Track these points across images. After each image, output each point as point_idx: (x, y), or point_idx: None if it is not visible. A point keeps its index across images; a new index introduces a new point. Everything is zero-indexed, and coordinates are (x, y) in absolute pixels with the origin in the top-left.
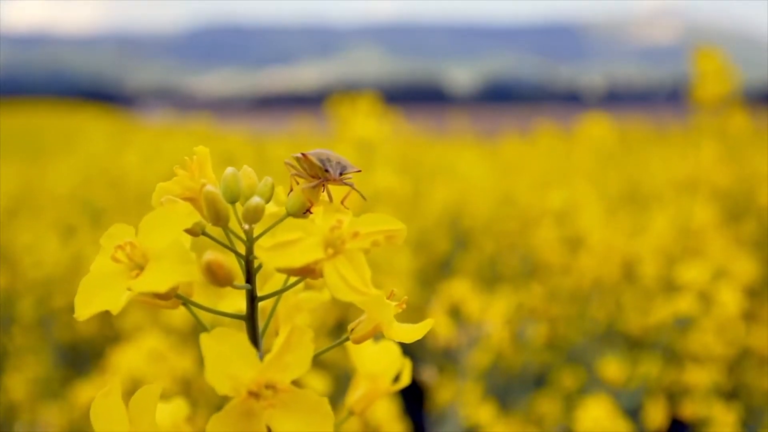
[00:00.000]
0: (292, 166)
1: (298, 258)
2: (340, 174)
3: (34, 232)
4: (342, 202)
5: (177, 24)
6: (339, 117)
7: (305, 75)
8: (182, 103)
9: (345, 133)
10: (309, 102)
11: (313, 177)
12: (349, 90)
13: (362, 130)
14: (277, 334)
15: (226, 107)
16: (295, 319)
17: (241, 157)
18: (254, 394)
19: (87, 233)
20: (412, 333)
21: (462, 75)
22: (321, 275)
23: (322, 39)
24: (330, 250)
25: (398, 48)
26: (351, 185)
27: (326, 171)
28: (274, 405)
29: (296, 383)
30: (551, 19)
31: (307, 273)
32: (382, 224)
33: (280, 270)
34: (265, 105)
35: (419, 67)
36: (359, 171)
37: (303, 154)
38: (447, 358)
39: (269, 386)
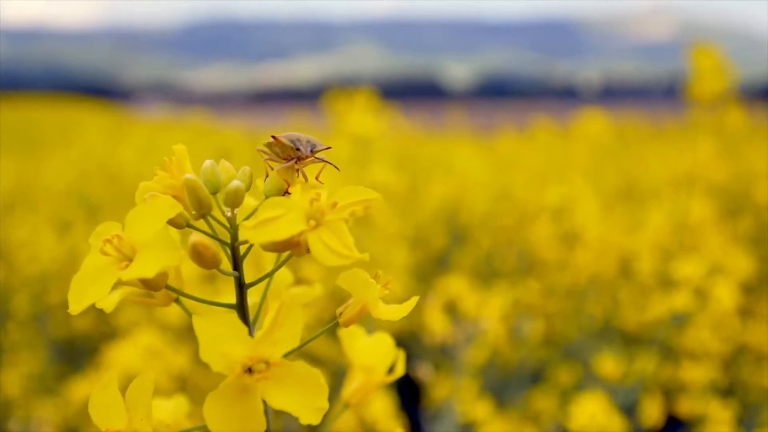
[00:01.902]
0: (265, 152)
1: (282, 231)
2: (312, 151)
3: (29, 227)
4: (317, 178)
5: (174, 19)
6: (336, 112)
7: (302, 70)
8: (179, 97)
9: (342, 128)
10: (306, 97)
11: (285, 159)
12: (345, 85)
13: (359, 126)
14: None
15: (222, 102)
16: (282, 296)
17: (238, 152)
18: (248, 370)
19: (83, 228)
20: (397, 311)
21: (459, 70)
22: (306, 248)
23: (319, 34)
24: (312, 222)
25: (395, 43)
26: (324, 160)
27: (298, 150)
28: (267, 378)
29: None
30: (548, 15)
31: (292, 246)
32: (359, 195)
33: (265, 246)
34: (262, 100)
35: (416, 62)
36: (329, 147)
37: (274, 137)
38: (443, 355)
39: (262, 361)
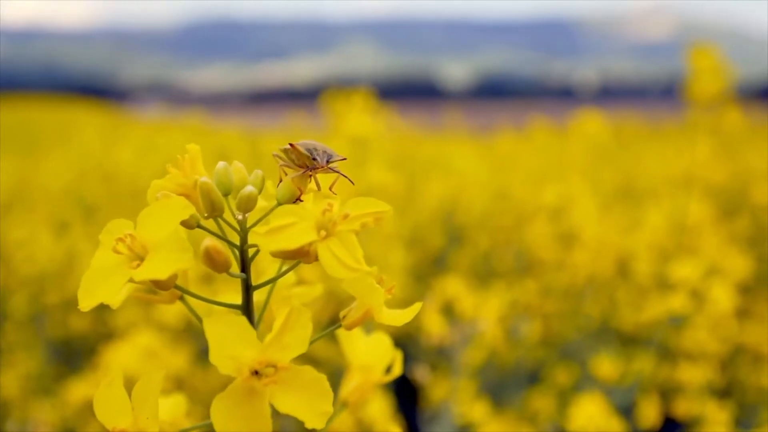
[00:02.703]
0: (280, 158)
1: (293, 240)
2: (327, 162)
3: (27, 227)
4: (330, 189)
5: (171, 19)
6: (333, 112)
7: (299, 70)
8: (176, 98)
9: (339, 128)
10: (303, 97)
11: (300, 166)
12: (343, 85)
13: (356, 126)
14: (271, 326)
15: (220, 102)
16: (292, 300)
17: (235, 153)
18: (256, 373)
19: (80, 229)
20: (401, 317)
21: (456, 70)
22: (315, 257)
23: (316, 34)
24: (322, 232)
25: (393, 43)
26: (338, 171)
27: (314, 159)
28: (275, 382)
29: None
30: (546, 14)
31: (302, 255)
32: (371, 206)
33: (275, 254)
34: (260, 100)
35: (414, 62)
36: (344, 159)
37: (291, 145)
38: (441, 356)
39: (270, 365)
